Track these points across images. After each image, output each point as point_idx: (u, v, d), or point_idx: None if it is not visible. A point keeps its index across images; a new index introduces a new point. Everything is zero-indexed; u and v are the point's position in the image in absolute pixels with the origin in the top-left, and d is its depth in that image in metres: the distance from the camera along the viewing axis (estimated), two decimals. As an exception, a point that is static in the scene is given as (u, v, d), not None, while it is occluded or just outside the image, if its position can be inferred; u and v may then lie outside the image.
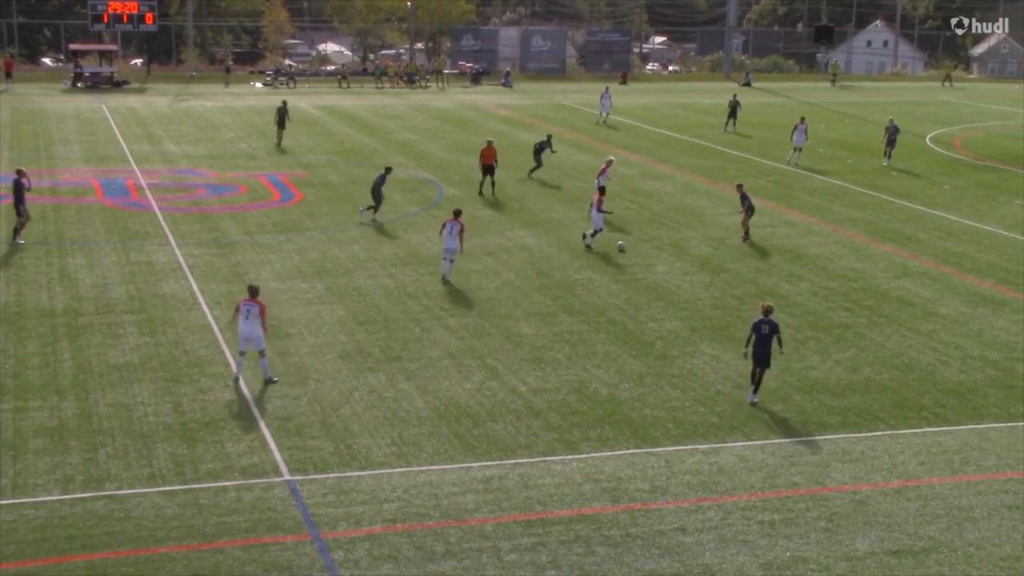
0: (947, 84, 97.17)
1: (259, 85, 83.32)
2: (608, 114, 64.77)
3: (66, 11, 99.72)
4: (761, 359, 22.12)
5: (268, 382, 22.59)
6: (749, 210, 35.13)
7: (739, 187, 35.93)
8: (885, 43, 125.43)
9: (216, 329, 25.84)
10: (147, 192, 41.12)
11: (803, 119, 51.05)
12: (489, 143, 42.68)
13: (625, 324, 27.06)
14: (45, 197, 39.88)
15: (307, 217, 37.70)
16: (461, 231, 29.93)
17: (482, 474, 18.88)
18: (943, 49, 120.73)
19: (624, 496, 18.21)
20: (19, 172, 33.87)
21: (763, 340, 21.99)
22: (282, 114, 53.28)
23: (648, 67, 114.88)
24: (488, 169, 41.89)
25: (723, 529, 17.21)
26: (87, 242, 33.60)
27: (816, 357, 25.11)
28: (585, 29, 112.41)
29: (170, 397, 21.81)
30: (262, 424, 20.61)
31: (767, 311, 22.11)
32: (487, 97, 78.07)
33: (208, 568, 15.74)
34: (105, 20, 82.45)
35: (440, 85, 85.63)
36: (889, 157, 50.83)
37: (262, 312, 22.30)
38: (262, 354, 22.53)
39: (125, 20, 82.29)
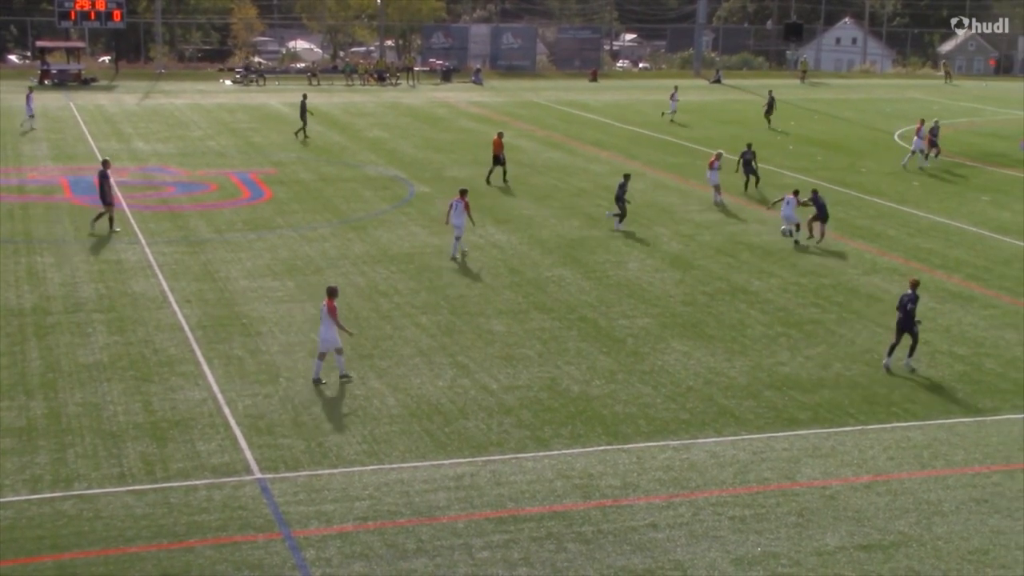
0: (948, 82, 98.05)
1: (228, 83, 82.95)
2: (674, 112, 64.94)
3: (33, 8, 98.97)
4: (903, 328, 23.97)
5: (342, 378, 22.76)
6: (822, 215, 34.89)
7: (814, 192, 35.51)
8: (854, 40, 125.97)
9: (187, 328, 25.73)
10: (115, 190, 40.83)
11: (922, 121, 51.76)
12: (499, 134, 44.61)
13: (596, 321, 27.10)
14: (13, 195, 39.63)
15: (278, 215, 37.58)
16: (466, 208, 32.17)
17: (454, 471, 18.87)
18: (911, 47, 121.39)
19: (596, 493, 18.24)
20: (105, 163, 35.56)
21: (906, 312, 23.91)
22: (302, 109, 54.55)
23: (619, 64, 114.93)
24: (496, 159, 43.67)
25: (694, 525, 17.25)
26: (56, 240, 33.39)
27: (787, 353, 25.21)
28: (556, 27, 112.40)
29: (140, 396, 21.70)
30: (233, 423, 20.54)
31: (914, 285, 24.28)
32: (458, 94, 78.01)
33: (179, 567, 15.67)
34: (72, 17, 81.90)
35: (410, 82, 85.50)
36: (926, 158, 50.68)
37: (331, 313, 22.38)
38: (338, 351, 22.65)
39: (93, 17, 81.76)
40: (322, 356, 22.67)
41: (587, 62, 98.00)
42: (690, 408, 21.90)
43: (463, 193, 32.64)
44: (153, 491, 17.84)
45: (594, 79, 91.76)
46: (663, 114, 65.44)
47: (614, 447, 20.02)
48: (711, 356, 24.87)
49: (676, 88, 68.49)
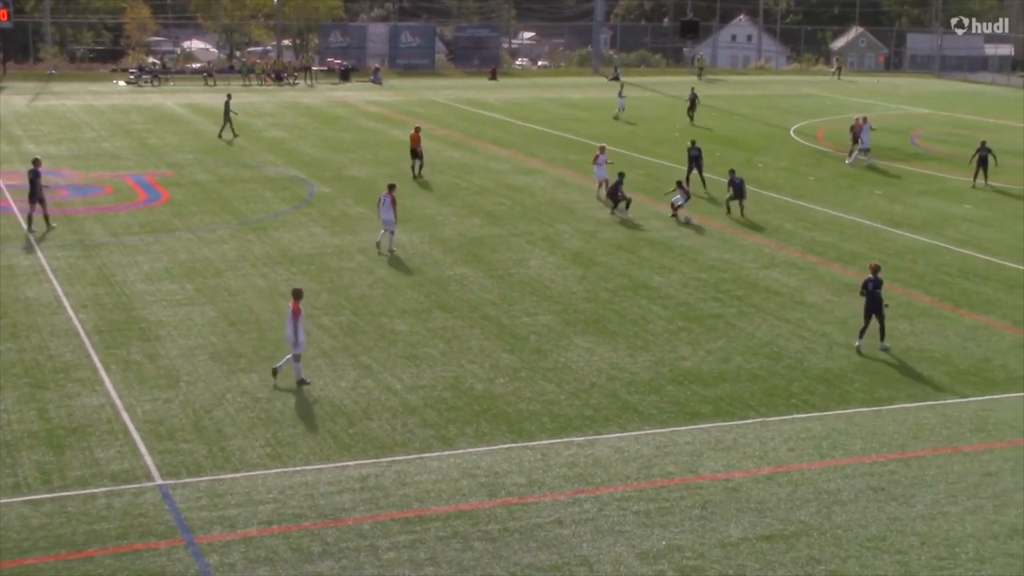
0: (838, 78, 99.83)
1: (122, 84, 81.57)
2: (623, 110, 65.15)
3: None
4: (873, 310, 25.35)
5: (299, 383, 22.54)
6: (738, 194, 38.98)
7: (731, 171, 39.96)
8: (749, 37, 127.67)
9: (82, 333, 25.24)
10: (6, 193, 39.99)
11: (865, 119, 53.01)
12: (416, 129, 45.90)
13: (499, 319, 27.12)
14: (-101, 200, 38.56)
15: (175, 217, 37.04)
16: (392, 203, 32.47)
17: (358, 472, 18.75)
18: (804, 43, 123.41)
19: (501, 490, 18.25)
20: (35, 162, 35.49)
21: (871, 296, 25.32)
22: (226, 108, 54.67)
23: (518, 62, 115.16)
24: (414, 153, 44.86)
25: (600, 520, 17.34)
26: (-56, 246, 32.55)
27: (688, 347, 25.45)
28: (454, 25, 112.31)
29: (35, 404, 21.23)
30: (132, 428, 20.19)
31: (875, 270, 25.65)
32: (357, 94, 77.58)
33: (78, 578, 15.37)
34: (-42, 17, 79.83)
35: (309, 82, 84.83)
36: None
37: (295, 315, 22.23)
38: (295, 357, 22.46)
39: (-21, 17, 79.80)
40: (297, 358, 22.50)
41: (486, 60, 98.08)
42: (594, 404, 22.01)
43: (391, 188, 33.02)
44: (50, 500, 17.46)
45: (493, 77, 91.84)
46: (616, 117, 64.92)
47: (519, 445, 20.05)
48: (614, 352, 25.03)
49: (623, 85, 68.45)
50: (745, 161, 50.60)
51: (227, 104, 54.75)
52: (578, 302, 28.68)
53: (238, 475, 18.51)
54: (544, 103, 73.22)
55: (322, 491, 18.04)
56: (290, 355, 22.61)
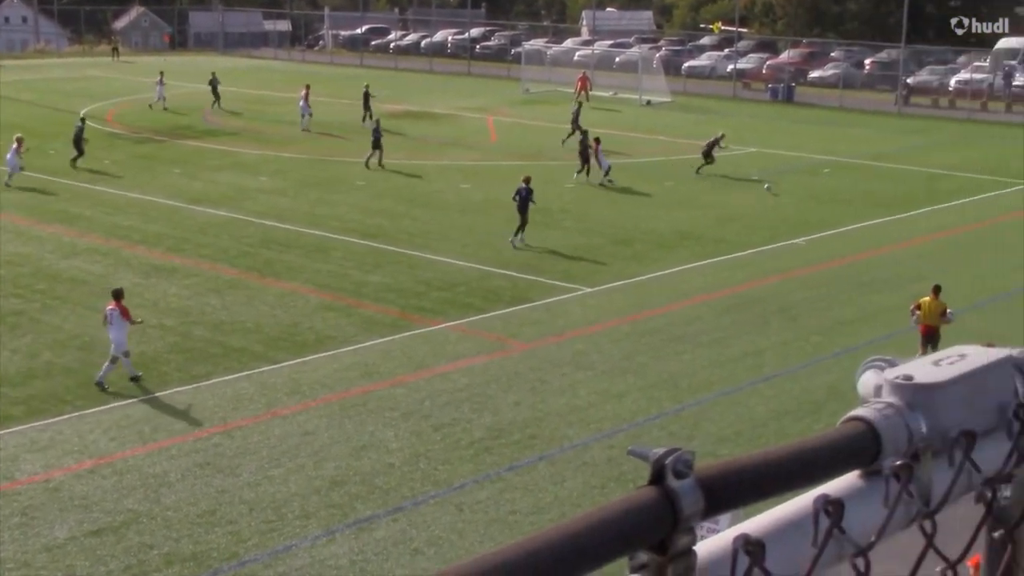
0: (116, 59, 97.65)
1: None
2: (164, 99, 61.22)
3: None
4: (521, 211, 32.04)
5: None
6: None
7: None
8: (24, 19, 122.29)
9: None
10: None
11: (307, 87, 54.90)
12: None
13: None
14: None
15: None
16: None
17: None
18: (86, 24, 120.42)
19: None
20: None
21: (522, 201, 32.05)
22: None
23: None
24: None
25: (-91, 548, 15.94)
26: None
27: (-10, 349, 24.06)
28: None
29: None
30: None
31: (527, 180, 32.33)
32: None
33: None
34: None
35: None
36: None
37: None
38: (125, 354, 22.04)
39: None
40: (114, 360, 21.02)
41: None
42: None
43: None
44: None
45: None
46: (151, 106, 60.30)
47: None
48: (-93, 364, 23.06)
49: (162, 74, 62.72)
50: (36, 148, 48.45)
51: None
52: None
53: None
54: None
55: None
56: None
